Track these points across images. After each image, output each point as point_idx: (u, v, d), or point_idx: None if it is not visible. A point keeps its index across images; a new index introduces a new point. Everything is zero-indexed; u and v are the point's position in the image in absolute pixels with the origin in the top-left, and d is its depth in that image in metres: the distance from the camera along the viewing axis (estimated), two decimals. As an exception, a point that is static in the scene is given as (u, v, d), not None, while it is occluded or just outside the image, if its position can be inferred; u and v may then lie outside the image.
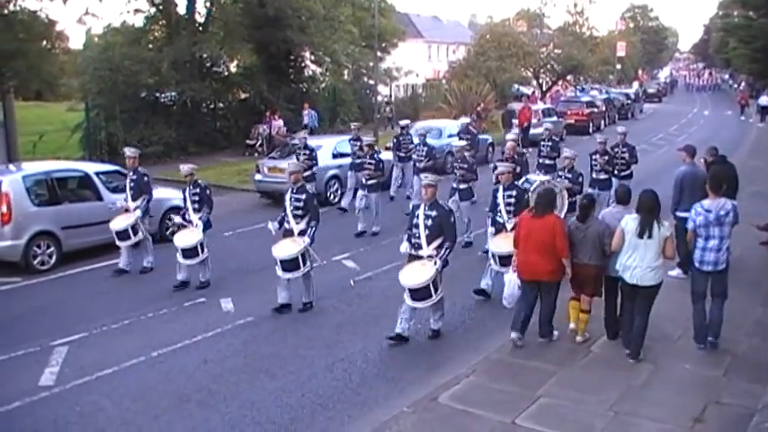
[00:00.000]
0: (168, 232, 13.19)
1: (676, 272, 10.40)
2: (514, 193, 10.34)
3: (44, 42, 21.52)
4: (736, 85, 72.39)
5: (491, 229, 10.59)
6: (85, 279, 11.90)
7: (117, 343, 9.00)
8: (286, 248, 9.80)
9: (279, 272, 9.82)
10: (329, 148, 18.09)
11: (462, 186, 13.23)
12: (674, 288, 9.26)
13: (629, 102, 45.19)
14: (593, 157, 14.28)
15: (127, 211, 11.95)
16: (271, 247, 9.97)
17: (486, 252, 10.74)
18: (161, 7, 27.22)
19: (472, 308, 10.07)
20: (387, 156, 18.17)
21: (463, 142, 15.43)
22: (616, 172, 14.43)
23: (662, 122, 40.49)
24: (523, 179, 12.81)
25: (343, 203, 16.80)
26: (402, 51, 46.32)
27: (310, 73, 32.28)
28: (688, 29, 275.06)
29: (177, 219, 11.59)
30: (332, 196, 17.63)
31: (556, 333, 8.51)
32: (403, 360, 8.41)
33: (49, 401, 7.45)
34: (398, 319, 8.72)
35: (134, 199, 11.97)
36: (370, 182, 14.59)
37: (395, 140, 18.46)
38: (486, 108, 32.19)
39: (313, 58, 31.13)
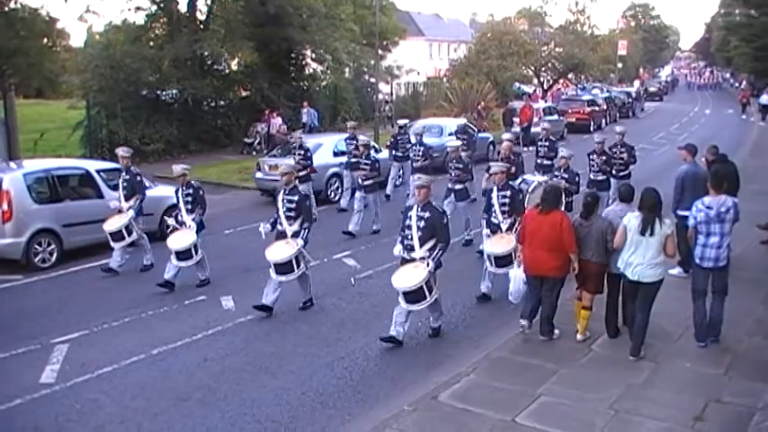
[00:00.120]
0: (169, 231, 13.16)
1: (677, 270, 10.40)
2: (509, 193, 10.27)
3: (45, 40, 21.54)
4: (737, 84, 72.35)
5: (486, 231, 10.51)
6: (86, 277, 11.90)
7: (118, 341, 9.00)
8: (279, 251, 9.67)
9: (273, 275, 9.72)
10: (330, 147, 18.07)
11: (458, 187, 13.14)
12: (675, 287, 9.26)
13: (630, 100, 45.16)
14: (591, 157, 14.10)
15: (120, 211, 11.88)
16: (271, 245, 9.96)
17: (481, 253, 10.67)
18: (162, 5, 27.21)
19: (473, 306, 10.08)
20: (382, 155, 18.20)
21: (459, 142, 15.34)
22: (614, 172, 14.31)
23: (663, 121, 40.48)
24: (520, 179, 12.80)
25: (343, 203, 16.80)
26: (403, 49, 46.37)
27: (311, 71, 32.28)
28: (689, 27, 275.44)
29: (170, 221, 11.45)
30: (333, 195, 17.62)
31: (557, 332, 8.51)
32: (403, 358, 8.41)
33: (49, 399, 7.46)
34: (393, 321, 8.65)
35: (127, 199, 11.90)
36: (366, 182, 14.42)
37: (392, 140, 18.42)
38: (486, 106, 32.17)
39: (314, 56, 31.11)
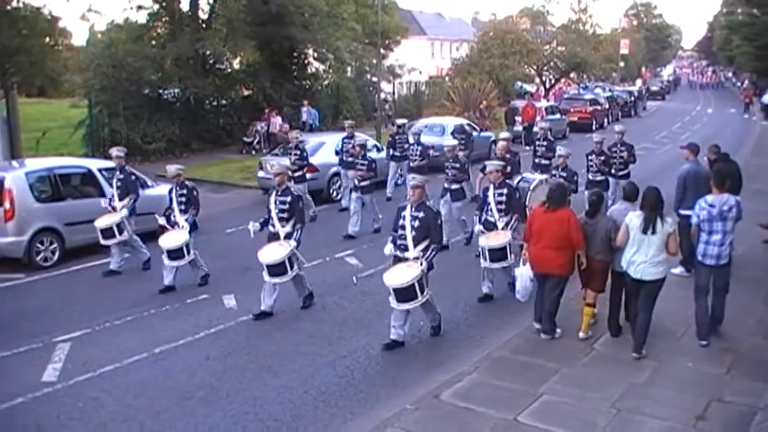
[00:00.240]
0: (159, 227, 13.06)
1: (679, 270, 10.40)
2: (505, 191, 10.23)
3: (47, 39, 21.53)
4: (739, 84, 72.28)
5: (478, 227, 10.46)
6: (88, 275, 11.90)
7: (120, 339, 9.01)
8: (272, 253, 9.56)
9: (266, 277, 9.59)
10: (332, 146, 18.04)
11: (454, 186, 13.02)
12: (677, 286, 9.26)
13: (632, 99, 45.14)
14: (590, 157, 13.95)
15: (114, 210, 11.78)
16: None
17: (479, 256, 10.62)
18: (164, 4, 27.21)
19: (474, 305, 10.08)
20: (383, 154, 18.19)
21: (455, 141, 15.27)
22: (613, 171, 14.21)
23: (665, 120, 40.44)
24: (519, 178, 12.77)
25: (344, 203, 16.78)
26: (405, 48, 46.39)
27: (313, 70, 32.26)
28: (692, 26, 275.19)
29: (161, 220, 11.30)
30: (335, 193, 17.61)
31: (558, 331, 8.51)
32: (405, 357, 8.41)
33: (51, 397, 7.46)
34: (391, 326, 8.61)
35: (120, 198, 11.82)
36: (363, 183, 14.20)
37: (390, 139, 18.40)
38: (489, 106, 32.16)
39: (316, 55, 31.09)
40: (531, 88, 48.16)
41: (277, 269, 9.50)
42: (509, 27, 47.73)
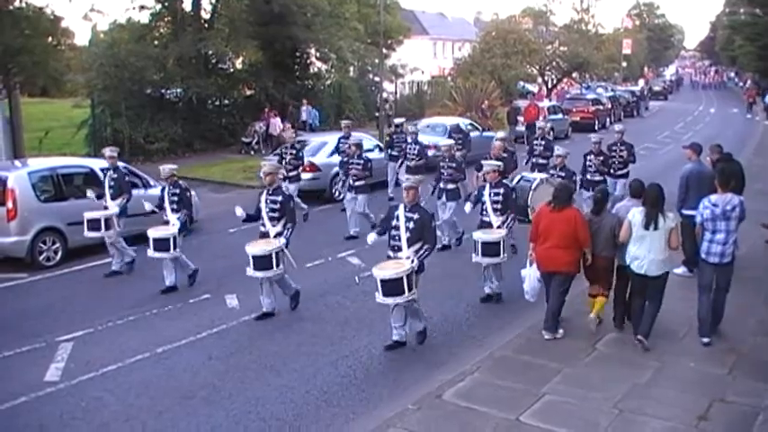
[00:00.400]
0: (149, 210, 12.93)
1: (682, 270, 10.39)
2: (501, 191, 10.19)
3: (50, 39, 21.52)
4: (741, 83, 72.19)
5: (468, 205, 10.46)
6: (91, 275, 11.92)
7: (122, 339, 9.02)
8: (260, 245, 9.50)
9: (249, 271, 9.42)
10: (333, 145, 18.03)
11: (450, 186, 12.95)
12: (680, 286, 9.27)
13: (634, 99, 45.07)
14: (588, 157, 13.84)
15: (106, 208, 11.74)
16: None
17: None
18: (167, 4, 27.24)
19: (476, 305, 10.07)
20: (381, 155, 18.16)
21: (451, 141, 15.19)
22: (612, 171, 14.14)
23: (668, 120, 40.38)
24: (519, 177, 12.73)
25: (345, 203, 16.75)
26: (407, 48, 46.35)
27: (316, 70, 32.28)
28: (694, 26, 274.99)
29: (148, 206, 11.15)
30: (337, 193, 17.60)
31: (561, 331, 8.51)
32: (407, 357, 8.41)
33: (54, 397, 7.48)
34: (392, 327, 8.59)
35: (113, 198, 11.78)
36: (357, 183, 14.06)
37: (388, 139, 18.36)
38: (491, 105, 32.13)
39: (318, 54, 31.11)
40: (533, 88, 48.13)
41: (262, 262, 9.35)
42: (511, 27, 47.65)
